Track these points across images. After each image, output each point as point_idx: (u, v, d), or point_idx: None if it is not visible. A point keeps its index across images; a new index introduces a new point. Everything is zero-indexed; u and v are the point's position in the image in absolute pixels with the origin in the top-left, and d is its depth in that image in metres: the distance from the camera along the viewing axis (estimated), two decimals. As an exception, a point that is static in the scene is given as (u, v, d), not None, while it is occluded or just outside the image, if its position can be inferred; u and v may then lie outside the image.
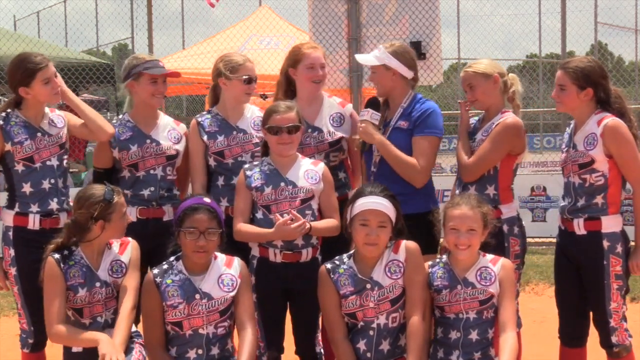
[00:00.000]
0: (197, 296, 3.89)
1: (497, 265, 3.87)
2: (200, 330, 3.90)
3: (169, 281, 3.91)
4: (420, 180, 4.41)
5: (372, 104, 4.52)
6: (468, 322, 3.82)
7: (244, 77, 4.59)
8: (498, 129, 4.33)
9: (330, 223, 4.25)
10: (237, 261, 4.03)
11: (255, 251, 4.31)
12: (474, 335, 3.80)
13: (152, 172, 4.61)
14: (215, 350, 3.91)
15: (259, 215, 4.25)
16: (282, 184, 4.22)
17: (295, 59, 4.75)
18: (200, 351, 3.90)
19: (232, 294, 3.94)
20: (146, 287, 3.95)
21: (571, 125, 4.31)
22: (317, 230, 4.20)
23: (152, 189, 4.59)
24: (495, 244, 4.14)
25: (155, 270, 3.96)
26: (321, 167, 4.34)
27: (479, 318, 3.81)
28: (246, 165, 4.36)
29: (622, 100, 4.17)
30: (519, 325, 4.50)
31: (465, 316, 3.82)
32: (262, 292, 4.26)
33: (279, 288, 4.25)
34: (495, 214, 4.27)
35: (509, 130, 4.31)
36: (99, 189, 3.98)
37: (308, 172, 4.27)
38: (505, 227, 4.35)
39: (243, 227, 4.26)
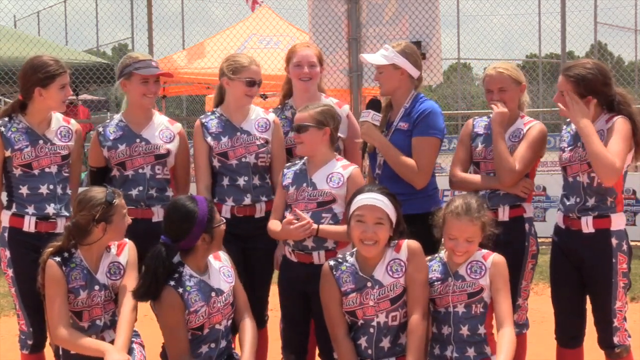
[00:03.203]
0: (213, 294, 3.89)
1: (489, 260, 3.87)
2: (217, 326, 3.90)
3: (188, 288, 3.84)
4: (420, 182, 4.41)
5: (373, 105, 4.51)
6: (457, 317, 3.83)
7: (246, 79, 4.58)
8: (535, 135, 4.39)
9: (342, 228, 4.11)
10: (223, 253, 4.07)
11: (283, 249, 4.41)
12: (464, 331, 3.82)
13: (140, 171, 4.59)
14: (223, 343, 3.94)
15: (286, 213, 4.27)
16: (304, 184, 4.23)
17: (288, 57, 4.81)
18: (212, 345, 3.90)
19: (234, 283, 4.00)
20: (172, 302, 3.78)
21: (572, 125, 4.27)
22: (325, 233, 4.15)
23: (141, 188, 4.58)
24: (516, 242, 4.33)
25: (172, 282, 3.81)
26: (349, 170, 4.23)
27: (467, 312, 3.83)
28: (287, 164, 4.43)
29: (628, 105, 4.12)
30: (526, 326, 4.53)
31: (454, 310, 3.84)
32: (283, 290, 4.33)
33: (297, 288, 4.24)
34: (519, 212, 4.39)
35: (543, 135, 4.42)
36: (99, 192, 3.97)
37: (333, 174, 4.22)
38: (526, 226, 4.42)
39: (269, 224, 4.32)
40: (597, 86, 4.08)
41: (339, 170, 4.22)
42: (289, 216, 4.19)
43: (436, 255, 4.01)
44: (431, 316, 3.92)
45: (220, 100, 4.76)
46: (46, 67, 4.35)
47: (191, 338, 3.86)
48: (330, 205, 4.19)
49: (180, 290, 3.81)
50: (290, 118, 4.78)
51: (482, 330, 3.84)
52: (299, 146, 4.28)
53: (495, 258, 3.88)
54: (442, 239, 3.97)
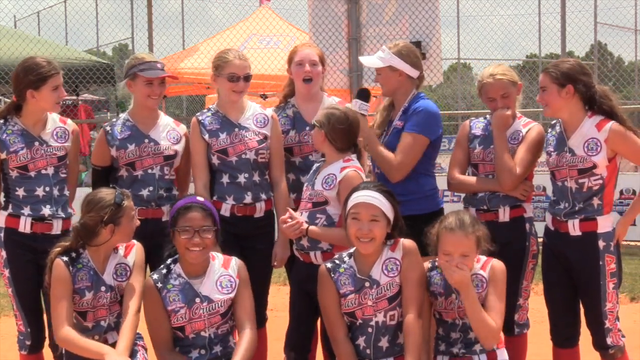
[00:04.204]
0: (198, 300, 3.89)
1: (487, 268, 3.83)
2: (202, 333, 3.90)
3: (169, 286, 3.90)
4: (394, 176, 4.38)
5: (361, 94, 4.49)
6: (465, 326, 3.82)
7: (228, 74, 4.54)
8: (534, 137, 4.39)
9: (332, 231, 4.14)
10: (234, 261, 4.03)
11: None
12: (472, 335, 3.81)
13: (149, 171, 4.59)
14: (217, 349, 3.93)
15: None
16: (308, 184, 4.27)
17: (290, 57, 4.80)
18: (203, 351, 3.91)
19: (231, 295, 3.94)
20: (148, 293, 3.93)
21: (557, 127, 4.27)
22: (313, 234, 4.15)
23: (151, 188, 4.58)
24: (517, 242, 4.35)
25: (155, 276, 3.94)
26: (344, 172, 4.14)
27: None
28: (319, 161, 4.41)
29: (609, 99, 4.12)
30: (527, 326, 4.53)
31: (462, 322, 3.83)
32: (291, 287, 4.42)
33: (302, 287, 4.26)
34: (519, 212, 4.41)
35: (542, 137, 4.41)
36: (108, 193, 3.96)
37: (328, 176, 4.19)
38: (527, 226, 4.43)
39: None
40: (575, 74, 4.09)
41: (336, 172, 4.18)
42: (285, 215, 4.21)
43: (436, 263, 3.93)
44: (438, 322, 3.91)
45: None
46: (38, 69, 4.32)
47: (176, 338, 3.90)
48: (324, 206, 4.18)
49: (160, 285, 3.89)
50: (292, 116, 4.78)
51: None
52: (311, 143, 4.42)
53: (493, 264, 3.84)
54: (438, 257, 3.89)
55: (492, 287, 3.80)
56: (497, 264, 3.85)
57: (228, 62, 4.55)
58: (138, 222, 4.08)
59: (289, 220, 4.16)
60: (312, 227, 4.15)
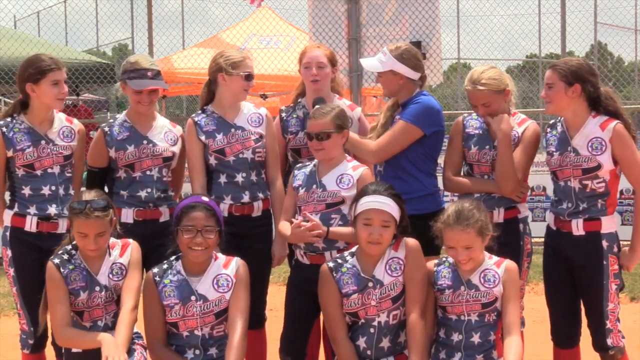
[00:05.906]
0: (193, 298, 3.89)
1: (501, 267, 3.85)
2: (196, 332, 3.90)
3: (167, 281, 3.93)
4: (370, 157, 4.41)
5: (319, 102, 4.51)
6: (470, 325, 3.81)
7: (245, 73, 4.57)
8: (530, 138, 4.39)
9: (352, 229, 4.09)
10: (235, 261, 4.02)
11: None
12: (475, 338, 3.80)
13: (148, 173, 4.58)
14: (213, 351, 3.91)
15: (296, 216, 4.26)
16: (314, 186, 4.21)
17: (299, 58, 4.84)
18: (197, 351, 3.91)
19: (227, 294, 3.93)
20: (146, 286, 3.97)
21: (558, 127, 4.25)
22: (335, 235, 4.12)
23: (149, 190, 4.57)
24: (512, 243, 4.29)
25: (155, 270, 3.97)
26: (359, 172, 4.18)
27: (480, 321, 3.81)
28: (298, 165, 4.39)
29: (614, 101, 4.12)
30: (522, 324, 4.52)
31: (467, 318, 3.81)
32: (291, 290, 4.32)
33: (306, 289, 4.18)
34: (513, 213, 4.39)
35: (537, 137, 4.43)
36: (84, 194, 3.97)
37: (343, 176, 4.17)
38: (521, 226, 4.42)
39: (280, 225, 4.33)
40: (583, 73, 4.08)
41: (349, 172, 4.18)
42: (298, 219, 4.16)
43: (444, 259, 3.96)
44: (440, 322, 3.90)
45: (209, 97, 4.71)
46: (38, 62, 4.33)
47: (171, 335, 3.92)
48: (339, 206, 4.16)
49: (157, 279, 3.92)
50: (302, 117, 4.79)
51: (493, 336, 3.82)
52: (319, 152, 4.22)
53: (508, 265, 3.86)
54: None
55: (511, 291, 3.79)
56: (511, 265, 3.87)
57: (243, 62, 4.58)
58: (92, 246, 3.91)
59: (304, 223, 4.11)
60: (333, 228, 4.11)
